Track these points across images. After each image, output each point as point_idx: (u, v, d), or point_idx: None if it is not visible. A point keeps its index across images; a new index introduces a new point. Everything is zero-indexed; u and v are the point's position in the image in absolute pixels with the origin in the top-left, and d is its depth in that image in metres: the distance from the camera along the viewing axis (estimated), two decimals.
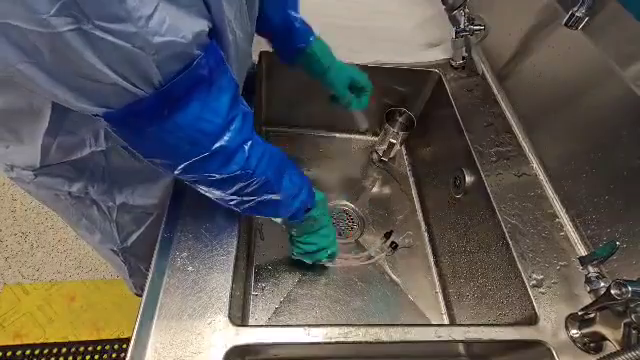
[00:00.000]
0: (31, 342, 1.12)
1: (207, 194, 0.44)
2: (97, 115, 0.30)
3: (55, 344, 1.12)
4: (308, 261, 0.65)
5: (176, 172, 0.37)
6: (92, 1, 0.23)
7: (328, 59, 0.62)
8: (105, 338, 1.14)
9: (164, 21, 0.26)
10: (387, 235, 0.77)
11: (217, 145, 0.36)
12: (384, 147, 0.88)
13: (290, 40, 0.59)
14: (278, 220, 0.55)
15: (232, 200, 0.45)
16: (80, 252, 1.30)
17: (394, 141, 0.85)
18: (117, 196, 0.55)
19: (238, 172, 0.39)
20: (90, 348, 1.12)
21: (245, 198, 0.44)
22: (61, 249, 1.31)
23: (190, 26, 0.28)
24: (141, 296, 0.45)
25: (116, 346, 1.14)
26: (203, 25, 0.29)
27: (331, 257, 0.65)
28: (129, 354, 0.41)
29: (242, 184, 0.41)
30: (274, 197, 0.46)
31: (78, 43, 0.24)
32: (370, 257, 0.75)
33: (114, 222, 0.58)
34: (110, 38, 0.25)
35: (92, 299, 1.21)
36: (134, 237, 0.63)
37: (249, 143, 0.39)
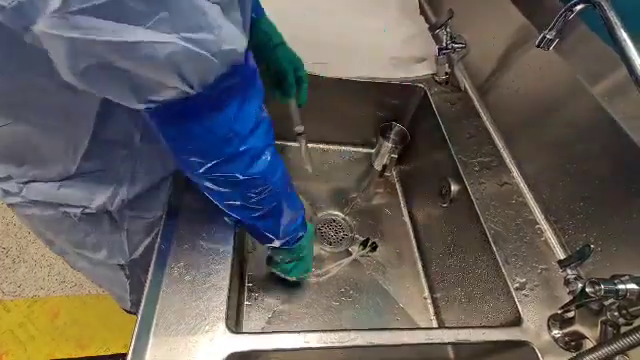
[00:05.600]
0: None
1: (213, 195, 0.45)
2: (144, 110, 0.32)
3: None
4: (287, 275, 0.66)
5: (201, 170, 0.39)
6: (182, 14, 0.25)
7: (278, 36, 0.62)
8: (90, 355, 1.11)
9: (229, 32, 0.29)
10: (365, 242, 0.81)
11: (245, 146, 0.38)
12: (380, 160, 0.91)
13: None
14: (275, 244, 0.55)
15: (240, 206, 0.45)
16: (64, 266, 1.27)
17: (389, 154, 0.89)
18: (135, 202, 0.55)
19: (258, 176, 0.41)
20: None
21: (254, 206, 0.45)
22: (44, 264, 1.28)
23: (240, 39, 0.31)
24: (133, 313, 0.45)
25: None
26: (246, 39, 0.32)
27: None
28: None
29: (257, 189, 0.43)
30: (278, 209, 0.48)
31: (159, 52, 0.26)
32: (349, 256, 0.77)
33: (125, 231, 0.58)
34: (191, 47, 0.27)
35: (76, 315, 1.18)
36: (143, 246, 0.63)
37: (271, 149, 0.42)
